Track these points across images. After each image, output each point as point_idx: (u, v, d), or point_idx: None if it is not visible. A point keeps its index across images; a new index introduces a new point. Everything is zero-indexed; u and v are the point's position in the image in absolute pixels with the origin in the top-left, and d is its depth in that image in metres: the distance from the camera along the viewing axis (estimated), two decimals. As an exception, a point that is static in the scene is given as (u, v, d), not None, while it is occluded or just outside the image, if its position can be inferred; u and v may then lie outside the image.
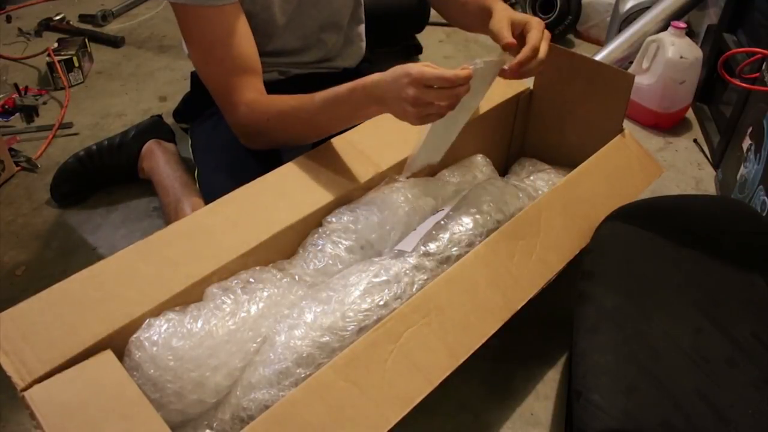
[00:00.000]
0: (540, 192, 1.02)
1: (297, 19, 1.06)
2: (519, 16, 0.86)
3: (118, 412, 0.61)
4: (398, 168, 0.94)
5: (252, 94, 0.91)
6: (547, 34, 0.85)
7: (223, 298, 0.74)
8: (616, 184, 0.98)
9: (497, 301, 0.78)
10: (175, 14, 0.89)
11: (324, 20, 1.10)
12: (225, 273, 0.77)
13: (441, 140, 0.91)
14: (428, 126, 0.83)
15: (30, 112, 1.55)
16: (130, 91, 1.68)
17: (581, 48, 1.94)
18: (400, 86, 0.75)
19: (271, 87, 1.13)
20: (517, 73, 0.82)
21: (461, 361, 0.72)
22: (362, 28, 1.21)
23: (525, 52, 0.81)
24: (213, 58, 0.90)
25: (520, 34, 0.85)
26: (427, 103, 0.75)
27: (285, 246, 0.85)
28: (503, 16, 0.86)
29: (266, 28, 1.03)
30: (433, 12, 1.86)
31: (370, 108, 0.83)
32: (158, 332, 0.69)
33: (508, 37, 0.82)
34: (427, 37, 1.89)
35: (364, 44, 1.22)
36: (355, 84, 0.82)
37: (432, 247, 0.83)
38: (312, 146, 0.93)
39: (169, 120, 1.40)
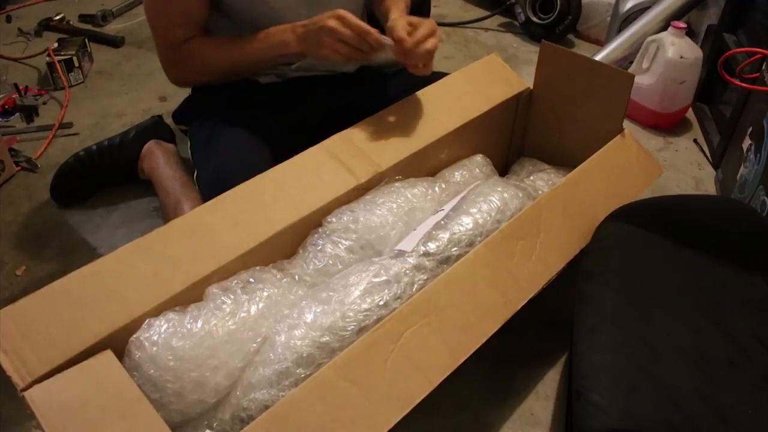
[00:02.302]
0: (540, 192, 1.02)
1: None
2: (413, 18, 0.96)
3: (118, 412, 0.61)
4: (398, 168, 0.94)
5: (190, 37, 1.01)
6: (438, 35, 0.95)
7: (223, 298, 0.74)
8: (616, 184, 0.98)
9: (497, 301, 0.78)
10: None
11: None
12: (225, 273, 0.77)
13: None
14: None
15: (30, 112, 1.55)
16: (130, 91, 1.68)
17: (581, 48, 1.94)
18: (324, 17, 0.90)
19: (269, 89, 1.13)
20: (401, 54, 0.91)
21: (461, 361, 0.72)
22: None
23: (414, 40, 0.90)
24: (163, 13, 0.99)
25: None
26: (339, 40, 0.90)
27: (285, 246, 0.85)
28: (399, 17, 0.96)
29: None
30: (433, 12, 1.86)
31: (291, 44, 0.97)
32: (158, 332, 0.69)
33: (401, 33, 0.92)
34: (427, 37, 1.89)
35: None
36: (283, 26, 0.97)
37: (432, 247, 0.83)
38: (312, 146, 0.93)
39: (169, 120, 1.40)
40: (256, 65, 1.04)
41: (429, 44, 0.92)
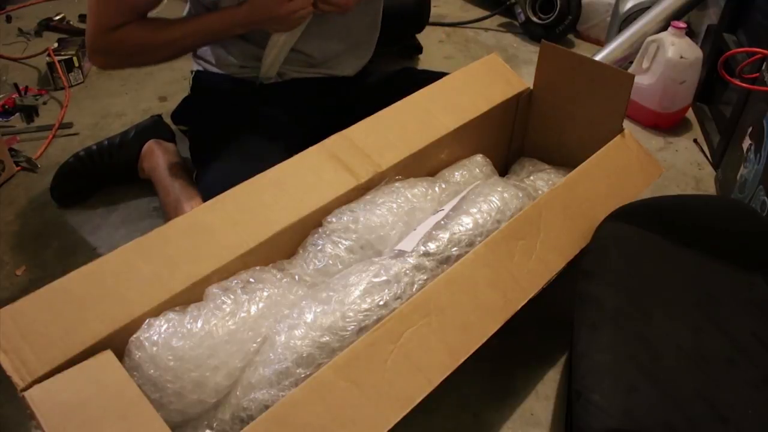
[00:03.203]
0: (540, 192, 1.02)
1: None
2: None
3: (118, 412, 0.61)
4: (398, 168, 0.94)
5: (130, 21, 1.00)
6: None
7: (223, 298, 0.74)
8: (616, 184, 0.98)
9: (497, 301, 0.78)
10: None
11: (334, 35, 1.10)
12: (225, 273, 0.77)
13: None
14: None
15: (30, 112, 1.55)
16: (130, 91, 1.68)
17: (581, 48, 1.94)
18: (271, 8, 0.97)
19: (269, 89, 1.13)
20: None
21: (461, 361, 0.72)
22: (371, 44, 1.21)
23: None
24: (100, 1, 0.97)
25: None
26: (301, 6, 0.98)
27: (285, 246, 0.85)
28: None
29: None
30: (433, 12, 1.86)
31: (234, 28, 1.03)
32: (158, 332, 0.69)
33: None
34: (427, 37, 1.89)
35: (368, 58, 1.22)
36: (222, 14, 1.01)
37: (432, 247, 0.83)
38: (311, 145, 0.93)
39: (169, 120, 1.40)
40: (200, 41, 1.08)
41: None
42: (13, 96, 1.59)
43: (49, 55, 1.67)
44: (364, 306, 0.75)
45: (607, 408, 0.69)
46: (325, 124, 1.02)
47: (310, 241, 0.85)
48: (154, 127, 1.34)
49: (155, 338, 0.69)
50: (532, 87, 1.14)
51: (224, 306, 0.74)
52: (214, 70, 1.15)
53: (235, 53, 1.13)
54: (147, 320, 0.70)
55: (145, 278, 0.73)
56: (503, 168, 1.21)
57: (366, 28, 1.19)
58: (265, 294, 0.77)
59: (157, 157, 1.25)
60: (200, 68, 1.18)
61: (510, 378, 0.97)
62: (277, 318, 0.76)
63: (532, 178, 1.07)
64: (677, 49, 1.44)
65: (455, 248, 0.83)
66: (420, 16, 1.76)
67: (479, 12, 2.09)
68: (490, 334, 0.76)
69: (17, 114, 1.56)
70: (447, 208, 0.92)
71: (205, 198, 1.02)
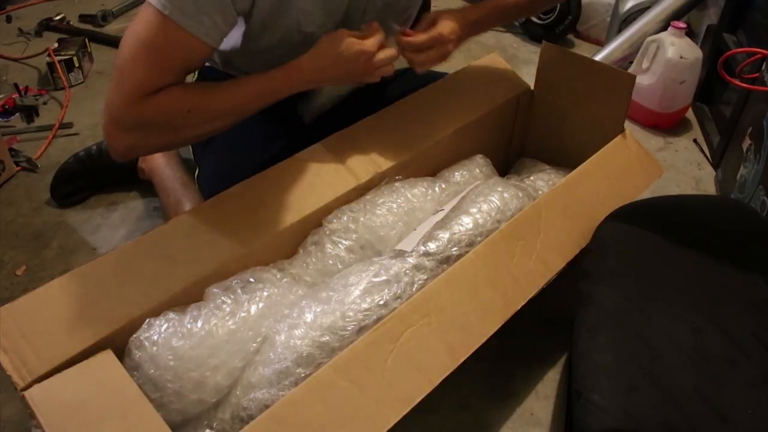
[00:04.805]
0: (540, 192, 1.02)
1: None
2: (443, 22, 0.92)
3: (118, 412, 0.61)
4: (398, 168, 0.94)
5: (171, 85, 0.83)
6: (442, 48, 0.92)
7: (223, 297, 0.74)
8: (616, 184, 0.98)
9: (497, 301, 0.78)
10: (150, 12, 0.77)
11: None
12: (225, 273, 0.77)
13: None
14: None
15: (30, 112, 1.55)
16: (130, 91, 1.68)
17: (581, 48, 1.94)
18: (339, 45, 0.83)
19: None
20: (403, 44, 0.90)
21: (461, 361, 0.72)
22: None
23: (408, 40, 0.90)
24: (157, 57, 0.79)
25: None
26: (377, 68, 0.86)
27: (285, 246, 0.85)
28: (441, 13, 0.94)
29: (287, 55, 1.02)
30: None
31: (301, 87, 0.89)
32: (158, 332, 0.69)
33: (412, 32, 0.92)
34: (427, 37, 1.88)
35: None
36: (287, 72, 0.85)
37: (432, 247, 0.83)
38: (312, 145, 0.93)
39: (169, 120, 1.40)
40: (249, 108, 0.87)
41: (421, 57, 0.91)
42: (13, 96, 1.60)
43: (49, 55, 1.67)
44: (364, 306, 0.75)
45: (607, 408, 0.69)
46: (326, 123, 1.02)
47: (310, 241, 0.85)
48: (154, 128, 1.33)
49: (155, 338, 0.69)
50: (532, 87, 1.14)
51: (224, 306, 0.74)
52: (219, 69, 1.14)
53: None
54: (147, 320, 0.70)
55: (145, 278, 0.73)
56: (503, 168, 1.21)
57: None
58: (265, 294, 0.77)
59: (157, 158, 1.25)
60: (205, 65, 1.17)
61: (510, 378, 0.97)
62: (277, 318, 0.76)
63: (532, 178, 1.07)
64: (677, 49, 1.44)
65: (455, 248, 0.83)
66: (420, 16, 1.76)
67: (479, 12, 2.09)
68: (490, 334, 0.76)
69: (17, 114, 1.56)
70: (447, 208, 0.92)
71: (206, 197, 1.02)
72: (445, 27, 0.92)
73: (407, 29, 0.92)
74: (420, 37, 0.90)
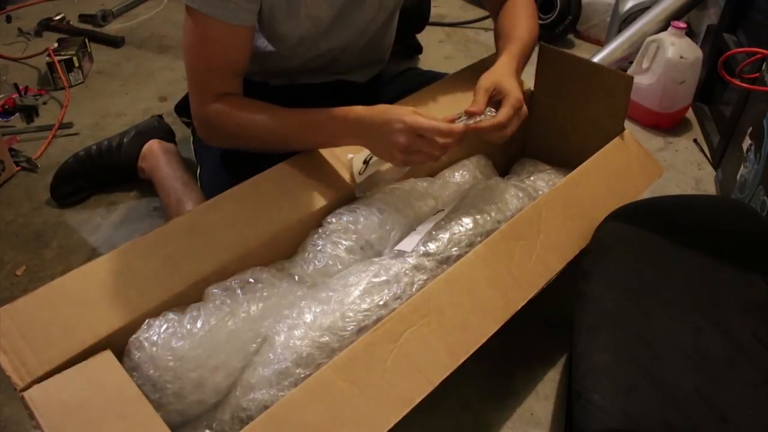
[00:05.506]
0: (540, 192, 1.02)
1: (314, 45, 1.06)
2: (506, 84, 0.87)
3: (118, 413, 0.61)
4: (398, 168, 0.93)
5: (229, 93, 0.91)
6: (522, 112, 0.87)
7: (222, 298, 0.74)
8: (616, 185, 0.98)
9: (497, 301, 0.78)
10: (187, 13, 0.86)
11: (346, 43, 1.09)
12: (225, 273, 0.77)
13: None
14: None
15: (30, 112, 1.55)
16: (130, 91, 1.68)
17: (581, 48, 1.94)
18: (391, 131, 0.79)
19: (277, 92, 1.13)
20: (480, 132, 0.85)
21: (461, 361, 0.72)
22: (385, 50, 1.20)
23: (491, 124, 0.84)
24: (203, 56, 0.88)
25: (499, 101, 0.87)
26: (416, 150, 0.80)
27: (285, 246, 0.85)
28: (492, 78, 0.88)
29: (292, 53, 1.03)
30: (433, 12, 1.86)
31: (348, 141, 0.87)
32: (158, 333, 0.69)
33: (475, 105, 0.85)
34: (427, 37, 1.89)
35: (383, 64, 1.22)
36: (336, 114, 0.85)
37: (432, 247, 0.83)
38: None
39: (170, 119, 1.40)
40: (292, 145, 0.90)
41: (509, 131, 0.86)
42: (13, 96, 1.60)
43: (49, 55, 1.67)
44: (364, 306, 0.75)
45: (607, 408, 0.69)
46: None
47: (310, 241, 0.85)
48: (154, 128, 1.34)
49: (155, 338, 0.69)
50: (532, 88, 1.13)
51: (224, 306, 0.74)
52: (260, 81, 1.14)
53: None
54: (147, 320, 0.70)
55: (144, 278, 0.73)
56: (504, 168, 1.20)
57: (389, 44, 1.18)
58: (265, 294, 0.77)
59: (158, 157, 1.25)
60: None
61: (510, 378, 0.97)
62: (277, 318, 0.76)
63: (532, 178, 1.07)
64: (677, 49, 1.44)
65: (455, 248, 0.83)
66: (420, 16, 1.76)
67: (479, 12, 2.09)
68: (490, 334, 0.75)
69: (17, 114, 1.56)
70: (447, 208, 0.92)
71: (207, 196, 1.02)
72: (513, 87, 0.87)
73: (473, 109, 0.85)
74: (504, 112, 0.85)
